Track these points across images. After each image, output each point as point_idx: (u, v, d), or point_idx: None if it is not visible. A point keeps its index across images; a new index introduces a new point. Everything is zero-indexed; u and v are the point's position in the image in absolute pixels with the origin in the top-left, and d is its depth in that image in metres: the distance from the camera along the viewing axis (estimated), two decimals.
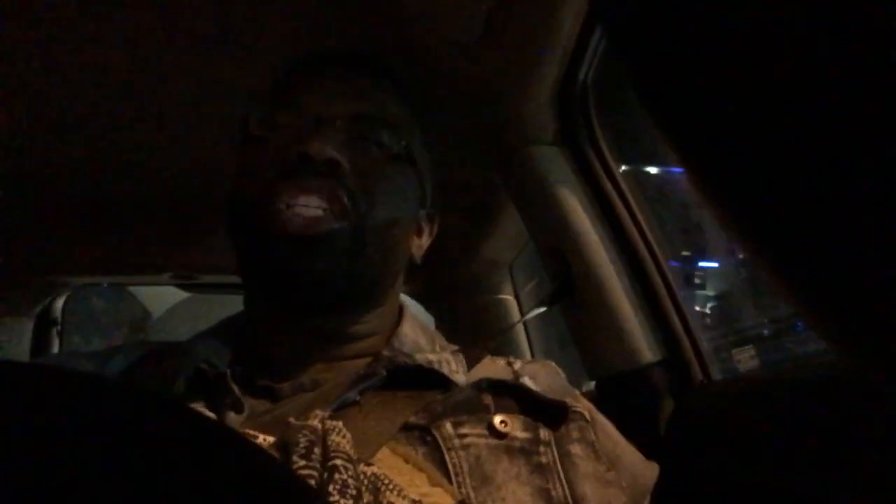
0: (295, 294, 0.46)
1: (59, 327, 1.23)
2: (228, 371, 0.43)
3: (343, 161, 0.45)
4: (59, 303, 1.23)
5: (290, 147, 0.45)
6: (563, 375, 0.55)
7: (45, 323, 1.20)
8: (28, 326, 1.16)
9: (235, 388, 0.41)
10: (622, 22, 0.14)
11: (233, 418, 0.40)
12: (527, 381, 0.49)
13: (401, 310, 0.55)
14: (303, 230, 0.42)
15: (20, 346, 1.14)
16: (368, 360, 0.46)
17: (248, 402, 0.42)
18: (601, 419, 0.50)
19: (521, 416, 0.45)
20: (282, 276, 0.44)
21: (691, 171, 0.14)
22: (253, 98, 0.55)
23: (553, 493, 0.41)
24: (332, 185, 0.44)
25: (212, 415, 0.40)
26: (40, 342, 1.19)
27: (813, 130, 0.11)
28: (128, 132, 0.76)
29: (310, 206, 0.43)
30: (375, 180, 0.47)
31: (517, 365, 0.52)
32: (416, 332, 0.52)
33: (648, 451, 0.51)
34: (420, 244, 0.57)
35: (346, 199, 0.45)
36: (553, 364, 0.56)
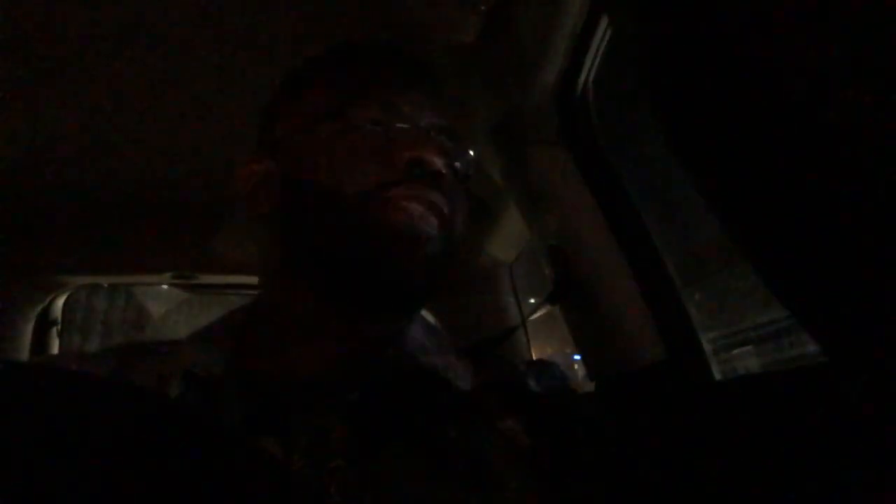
0: (377, 294, 0.45)
1: (59, 327, 1.23)
2: (223, 374, 0.42)
3: (448, 174, 0.47)
4: (59, 303, 1.23)
5: (402, 151, 0.45)
6: (566, 376, 0.55)
7: (45, 323, 1.20)
8: (28, 326, 1.16)
9: (231, 391, 0.41)
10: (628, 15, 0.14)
11: (229, 421, 0.40)
12: (530, 382, 0.49)
13: None
14: (412, 232, 0.43)
15: (20, 346, 1.14)
16: (373, 360, 0.46)
17: (247, 402, 0.41)
18: (603, 420, 0.50)
19: (525, 420, 0.44)
20: (376, 274, 0.44)
21: (698, 178, 0.14)
22: (253, 98, 0.55)
23: (557, 495, 0.40)
24: (438, 194, 0.46)
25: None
26: (40, 342, 1.19)
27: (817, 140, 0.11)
28: (128, 132, 0.76)
29: (420, 212, 0.44)
30: (459, 196, 0.50)
31: (521, 367, 0.52)
32: (424, 333, 0.52)
33: (650, 452, 0.51)
34: None
35: (446, 211, 0.46)
36: (556, 364, 0.56)
